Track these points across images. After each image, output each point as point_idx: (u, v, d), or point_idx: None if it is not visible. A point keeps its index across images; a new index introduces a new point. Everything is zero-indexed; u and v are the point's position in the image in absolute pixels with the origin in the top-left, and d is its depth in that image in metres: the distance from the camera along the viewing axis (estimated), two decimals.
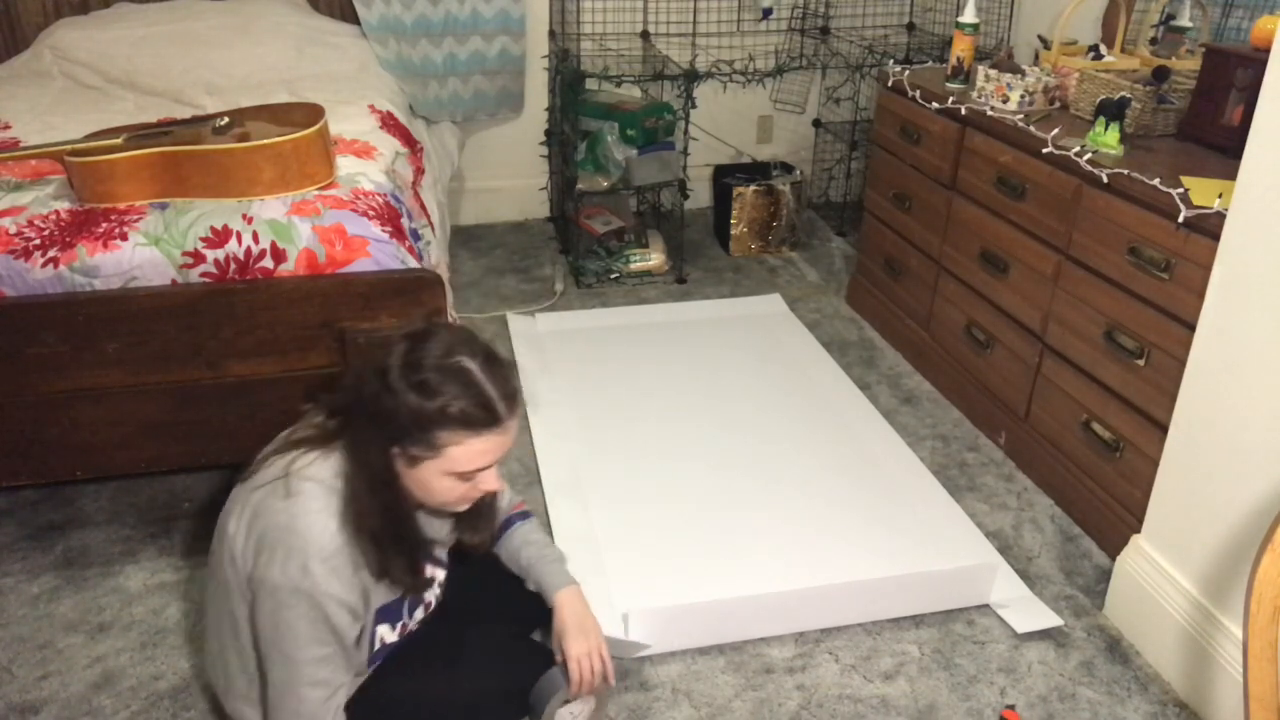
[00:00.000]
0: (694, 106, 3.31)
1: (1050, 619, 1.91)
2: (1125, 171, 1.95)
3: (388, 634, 1.38)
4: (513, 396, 1.26)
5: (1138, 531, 1.90)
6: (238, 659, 1.35)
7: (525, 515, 1.64)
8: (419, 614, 1.44)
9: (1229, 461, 1.64)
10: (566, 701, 1.52)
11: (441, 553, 1.47)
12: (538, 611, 1.57)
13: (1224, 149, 2.04)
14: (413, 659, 1.44)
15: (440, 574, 1.47)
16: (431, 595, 1.46)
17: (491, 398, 1.23)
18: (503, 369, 1.27)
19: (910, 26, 3.75)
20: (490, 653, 1.51)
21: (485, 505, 1.43)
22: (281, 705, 1.27)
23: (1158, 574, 1.81)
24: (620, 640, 1.78)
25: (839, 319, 3.18)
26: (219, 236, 1.82)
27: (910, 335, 2.88)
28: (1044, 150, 2.18)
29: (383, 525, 1.26)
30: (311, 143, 1.92)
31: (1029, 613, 1.93)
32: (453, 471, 1.24)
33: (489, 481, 1.28)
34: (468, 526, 1.43)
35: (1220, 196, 1.74)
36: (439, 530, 1.43)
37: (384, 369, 1.22)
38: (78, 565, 2.01)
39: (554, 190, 3.88)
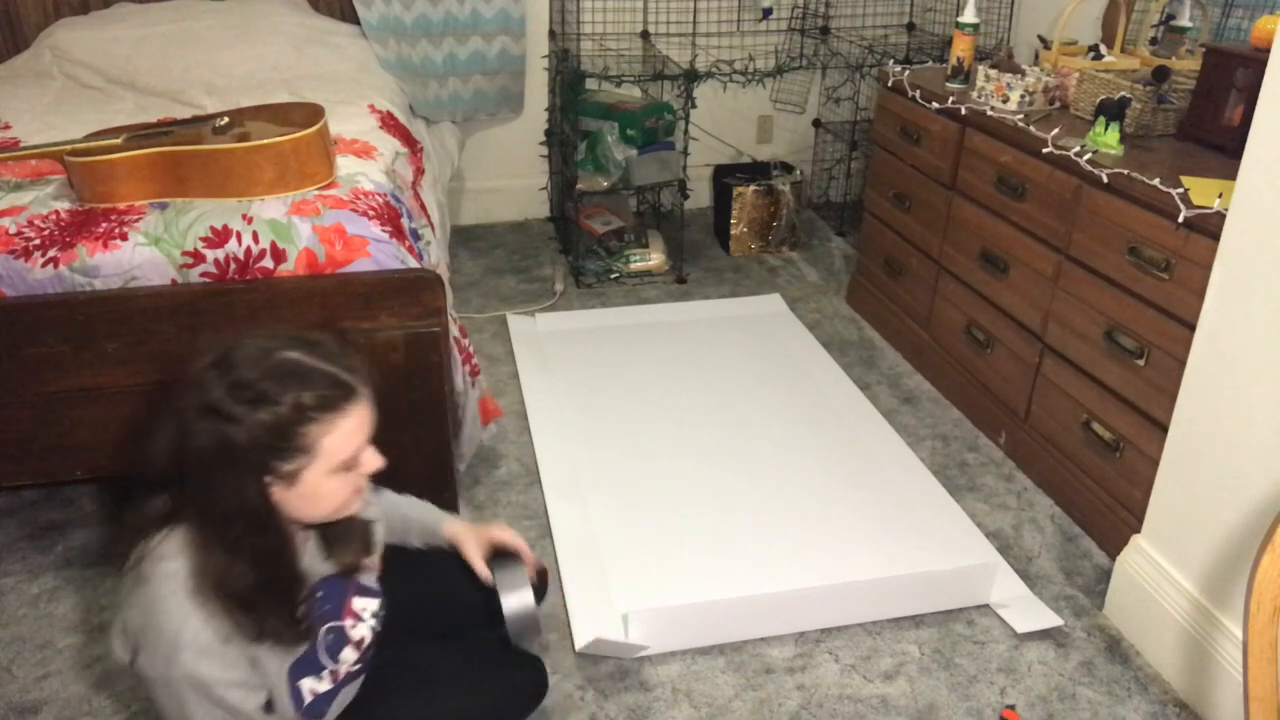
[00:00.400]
0: (694, 106, 3.31)
1: (1050, 619, 1.91)
2: (1125, 171, 1.95)
3: (316, 685, 1.26)
4: (352, 366, 1.17)
5: (1138, 531, 1.90)
6: None
7: (374, 488, 1.54)
8: (348, 653, 1.29)
9: (1229, 461, 1.64)
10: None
11: (370, 580, 1.36)
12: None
13: (1224, 149, 2.04)
14: (399, 684, 1.41)
15: (372, 604, 1.34)
16: (364, 630, 1.32)
17: (334, 373, 1.14)
18: (325, 345, 1.17)
19: (910, 26, 3.75)
20: (476, 666, 1.48)
21: (347, 521, 1.27)
22: None
23: (1158, 574, 1.81)
24: (619, 643, 1.79)
25: (839, 319, 3.18)
26: (219, 236, 1.81)
27: (910, 335, 2.88)
28: (1044, 150, 2.18)
29: (255, 579, 1.13)
30: (311, 143, 1.92)
31: (1029, 613, 1.93)
32: (335, 465, 1.13)
33: (372, 461, 1.18)
34: (341, 547, 1.27)
35: (1220, 196, 1.74)
36: (319, 565, 1.27)
37: (210, 407, 1.08)
38: (78, 565, 2.01)
39: (554, 190, 3.88)
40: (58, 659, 1.78)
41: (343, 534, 1.26)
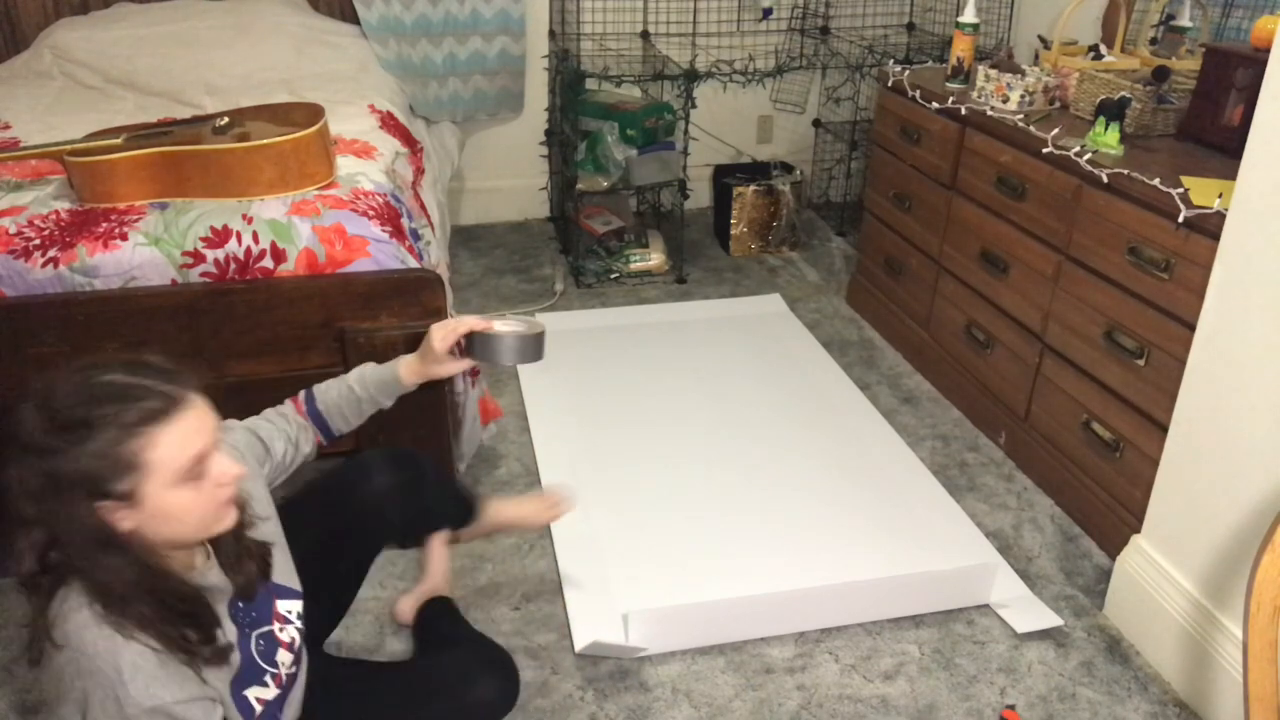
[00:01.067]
0: (694, 106, 3.31)
1: (1050, 619, 1.91)
2: (1125, 171, 1.95)
3: (263, 693, 1.24)
4: (173, 374, 1.12)
5: (1138, 531, 1.90)
6: None
7: (309, 393, 1.57)
8: (283, 655, 1.29)
9: (1229, 461, 1.64)
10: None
11: (288, 580, 1.35)
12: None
13: (1224, 149, 2.04)
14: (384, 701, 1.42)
15: (295, 605, 1.34)
16: (292, 631, 1.31)
17: (151, 387, 1.09)
18: (149, 363, 1.13)
19: (910, 26, 3.75)
20: (421, 694, 1.47)
21: (234, 540, 1.23)
22: None
23: (1158, 574, 1.81)
24: (618, 645, 1.79)
25: (839, 319, 3.18)
26: (219, 236, 1.82)
27: (910, 335, 2.88)
28: (1044, 150, 2.18)
29: (151, 606, 1.10)
30: (311, 143, 1.92)
31: (1029, 613, 1.93)
32: (175, 477, 1.08)
33: (224, 467, 1.13)
34: (233, 569, 1.22)
35: (1220, 196, 1.74)
36: (215, 578, 1.22)
37: (30, 445, 1.04)
38: None
39: (554, 190, 3.88)
40: None
41: (232, 554, 1.22)
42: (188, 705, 1.10)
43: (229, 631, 1.19)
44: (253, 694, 1.22)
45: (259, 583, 1.25)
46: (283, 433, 1.46)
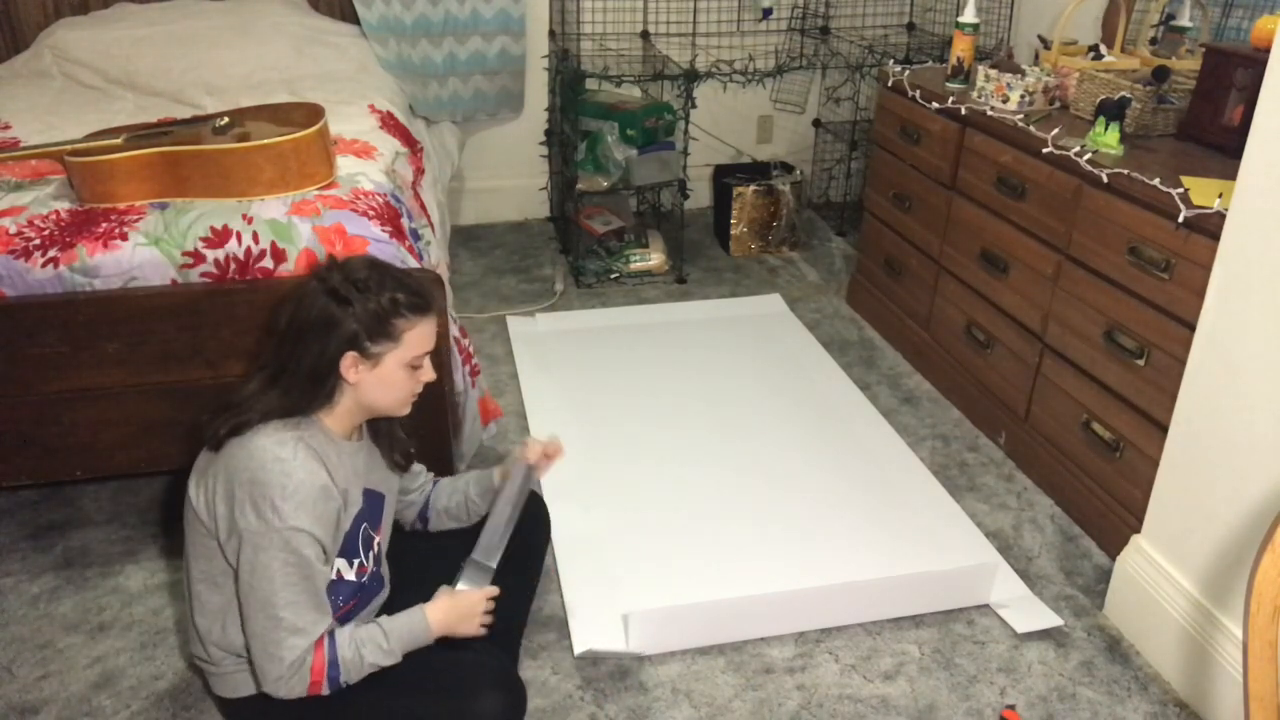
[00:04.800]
0: (694, 106, 3.31)
1: (1050, 619, 1.91)
2: (1125, 171, 1.95)
3: (345, 570, 1.43)
4: (426, 284, 1.46)
5: (1138, 531, 1.90)
6: (213, 600, 1.42)
7: (435, 480, 1.75)
8: (370, 558, 1.50)
9: (1229, 461, 1.64)
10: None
11: (388, 518, 1.58)
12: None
13: (1224, 149, 2.04)
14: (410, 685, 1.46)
15: (384, 537, 1.56)
16: (378, 546, 1.53)
17: (420, 285, 1.42)
18: (408, 270, 1.46)
19: (910, 26, 3.75)
20: (434, 684, 1.48)
21: (396, 429, 1.56)
22: (267, 657, 1.32)
23: (1158, 574, 1.81)
24: (616, 651, 1.79)
25: (839, 319, 3.18)
26: (219, 236, 1.82)
27: (910, 335, 2.88)
28: (1044, 150, 2.18)
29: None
30: (311, 143, 1.92)
31: (1029, 613, 1.93)
32: (408, 359, 1.39)
33: (428, 372, 1.45)
34: (386, 449, 1.55)
35: (1220, 196, 1.74)
36: (366, 477, 1.50)
37: (332, 289, 1.35)
38: (78, 565, 2.01)
39: (554, 190, 3.88)
40: (58, 659, 1.78)
41: (388, 438, 1.54)
42: (313, 545, 1.33)
43: (355, 501, 1.44)
44: (340, 563, 1.42)
45: (404, 463, 1.58)
46: (422, 477, 1.73)
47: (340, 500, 1.38)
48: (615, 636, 1.82)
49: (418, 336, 1.40)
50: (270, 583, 1.30)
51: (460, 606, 1.47)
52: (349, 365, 1.36)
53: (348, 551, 1.43)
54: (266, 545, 1.29)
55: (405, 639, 1.42)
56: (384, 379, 1.39)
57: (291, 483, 1.30)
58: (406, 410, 1.47)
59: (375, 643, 1.38)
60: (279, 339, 1.40)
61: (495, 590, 1.53)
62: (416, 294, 1.40)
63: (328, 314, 1.34)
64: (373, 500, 1.50)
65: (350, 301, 1.34)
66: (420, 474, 1.72)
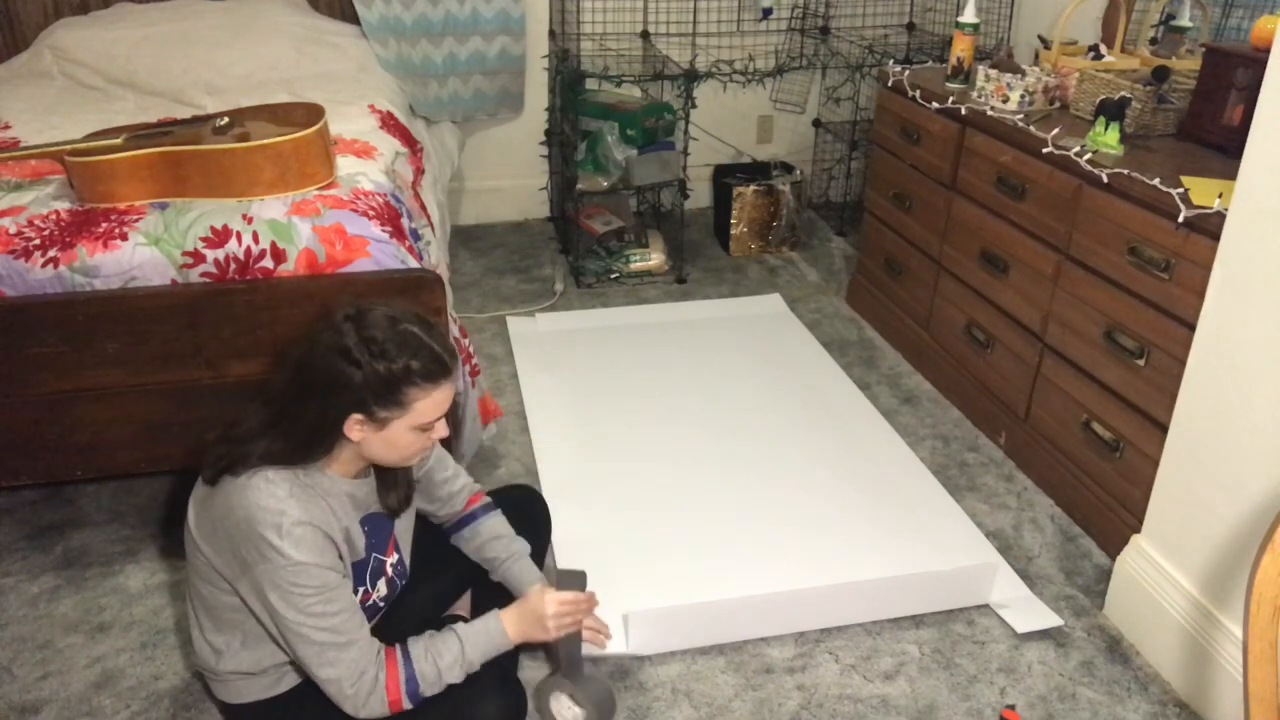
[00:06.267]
0: (694, 106, 3.31)
1: (1050, 619, 1.91)
2: (1125, 171, 1.95)
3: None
4: (452, 350, 1.38)
5: (1138, 531, 1.90)
6: (209, 621, 1.43)
7: (490, 508, 1.69)
8: (381, 585, 1.49)
9: (1229, 461, 1.64)
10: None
11: (404, 540, 1.56)
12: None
13: (1224, 149, 2.04)
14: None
15: (399, 559, 1.54)
16: (392, 571, 1.52)
17: (439, 352, 1.35)
18: (437, 328, 1.39)
19: (910, 26, 3.75)
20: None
21: (402, 473, 1.52)
22: (327, 681, 1.34)
23: (1158, 574, 1.81)
24: (614, 654, 1.79)
25: (839, 319, 3.18)
26: (219, 236, 1.82)
27: (910, 335, 2.88)
28: (1044, 150, 2.18)
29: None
30: (311, 143, 1.92)
31: (1029, 613, 1.93)
32: (417, 424, 1.35)
33: (441, 430, 1.41)
34: (388, 491, 1.50)
35: (1220, 196, 1.74)
36: (370, 504, 1.49)
37: (343, 348, 1.30)
38: (78, 565, 2.01)
39: (554, 190, 3.88)
40: (58, 659, 1.78)
41: (392, 482, 1.49)
42: (327, 571, 1.32)
43: (358, 535, 1.42)
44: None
45: (398, 507, 1.51)
46: (462, 479, 1.68)
47: (341, 542, 1.37)
48: (615, 637, 1.82)
49: (430, 405, 1.34)
50: (298, 613, 1.30)
51: (528, 613, 1.51)
52: (352, 425, 1.32)
53: (355, 581, 1.43)
54: (279, 581, 1.29)
55: (484, 648, 1.45)
56: (390, 441, 1.35)
57: (286, 522, 1.29)
58: (413, 463, 1.44)
59: (453, 655, 1.41)
60: (286, 381, 1.36)
61: (566, 596, 1.55)
62: (433, 360, 1.33)
63: (335, 373, 1.30)
64: (378, 524, 1.49)
65: (360, 365, 1.29)
66: (459, 476, 1.67)
